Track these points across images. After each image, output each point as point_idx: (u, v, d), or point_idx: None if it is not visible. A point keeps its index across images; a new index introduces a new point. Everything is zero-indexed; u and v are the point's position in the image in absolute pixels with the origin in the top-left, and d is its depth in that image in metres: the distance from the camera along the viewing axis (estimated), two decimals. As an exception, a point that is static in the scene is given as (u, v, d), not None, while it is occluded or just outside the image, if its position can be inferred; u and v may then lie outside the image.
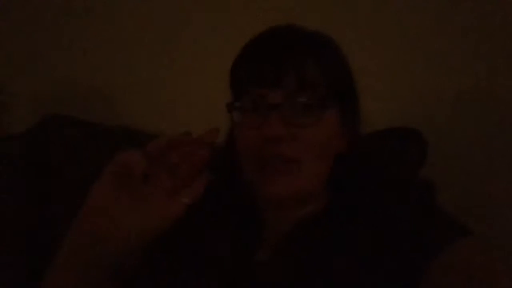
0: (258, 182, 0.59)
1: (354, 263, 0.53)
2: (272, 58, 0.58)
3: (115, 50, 1.08)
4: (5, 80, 1.13)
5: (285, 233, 0.60)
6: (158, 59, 1.08)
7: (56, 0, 1.12)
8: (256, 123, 0.58)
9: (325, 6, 0.98)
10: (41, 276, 0.50)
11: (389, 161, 0.84)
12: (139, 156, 0.45)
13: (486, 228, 0.86)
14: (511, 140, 0.94)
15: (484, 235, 0.57)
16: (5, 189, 0.91)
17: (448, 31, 0.96)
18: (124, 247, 0.45)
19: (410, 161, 0.86)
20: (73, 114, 0.99)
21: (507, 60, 0.93)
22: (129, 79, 1.07)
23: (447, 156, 0.95)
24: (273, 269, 0.57)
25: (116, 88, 1.07)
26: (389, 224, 0.56)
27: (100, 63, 1.08)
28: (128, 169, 0.45)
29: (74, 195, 0.88)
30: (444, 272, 0.49)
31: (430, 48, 0.97)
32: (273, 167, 0.57)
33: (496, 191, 0.94)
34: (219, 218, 0.64)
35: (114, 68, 1.08)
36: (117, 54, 1.08)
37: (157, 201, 0.46)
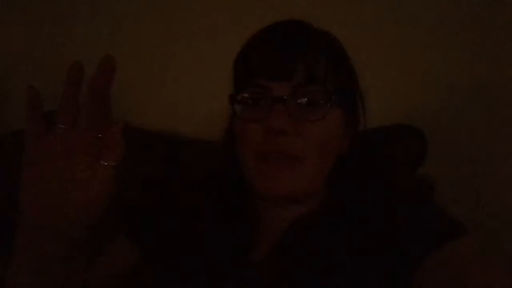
0: (257, 177, 0.58)
1: (352, 262, 0.53)
2: (282, 50, 0.57)
3: (113, 49, 1.08)
4: (1, 78, 1.12)
5: (280, 232, 0.59)
6: (157, 57, 1.08)
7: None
8: (259, 116, 0.57)
9: (324, 5, 0.98)
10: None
11: (389, 159, 0.84)
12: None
13: (485, 226, 0.87)
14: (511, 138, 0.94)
15: (483, 233, 0.57)
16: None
17: (447, 28, 0.96)
18: (67, 228, 0.43)
19: (409, 159, 0.86)
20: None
21: (508, 56, 0.93)
22: (127, 77, 1.06)
23: (446, 153, 0.95)
24: (269, 269, 0.56)
25: (114, 85, 1.07)
26: (386, 221, 0.56)
27: (97, 61, 1.07)
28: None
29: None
30: (439, 269, 0.50)
31: (430, 46, 0.96)
32: (275, 163, 0.56)
33: (496, 189, 0.94)
34: (214, 216, 0.63)
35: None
36: (115, 53, 1.07)
37: (81, 171, 0.42)
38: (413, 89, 0.97)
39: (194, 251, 0.59)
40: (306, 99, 0.56)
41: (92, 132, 0.42)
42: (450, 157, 0.95)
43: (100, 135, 0.42)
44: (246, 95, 0.58)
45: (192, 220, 0.63)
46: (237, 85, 0.62)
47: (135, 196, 0.83)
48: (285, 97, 0.55)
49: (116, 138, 0.42)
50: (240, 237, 0.60)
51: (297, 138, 0.56)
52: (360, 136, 0.65)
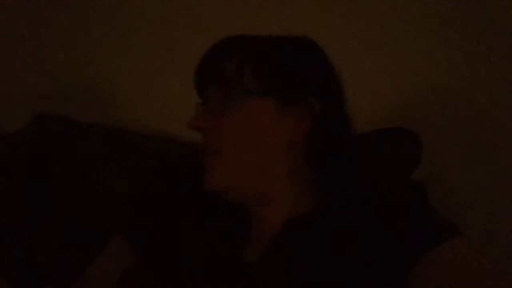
0: None
1: (344, 263, 0.54)
2: (200, 63, 0.64)
3: (113, 50, 1.07)
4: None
5: (273, 233, 0.59)
6: (156, 59, 1.07)
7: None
8: None
9: (318, 7, 0.97)
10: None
11: (383, 162, 0.84)
12: None
13: (478, 228, 0.87)
14: (507, 141, 0.95)
15: (477, 235, 0.58)
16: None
17: (444, 30, 0.96)
18: None
19: (404, 162, 0.86)
20: (68, 114, 0.98)
21: (504, 58, 0.94)
22: (126, 79, 1.06)
23: (439, 155, 0.95)
24: (262, 271, 0.56)
25: (113, 88, 1.07)
26: (378, 224, 0.56)
27: (97, 62, 1.07)
28: None
29: (69, 196, 0.89)
30: (431, 271, 0.50)
31: (423, 48, 0.97)
32: (203, 159, 0.61)
33: (490, 191, 0.94)
34: (205, 218, 0.63)
35: (111, 68, 1.06)
36: (115, 54, 1.07)
37: None
38: (408, 92, 0.97)
39: (188, 253, 0.60)
40: (219, 97, 0.60)
41: None
42: (444, 159, 0.96)
43: None
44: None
45: (186, 221, 0.63)
46: None
47: (131, 197, 0.83)
48: (206, 99, 0.63)
49: None
50: (233, 239, 0.60)
51: (212, 133, 0.60)
52: (355, 138, 0.65)
